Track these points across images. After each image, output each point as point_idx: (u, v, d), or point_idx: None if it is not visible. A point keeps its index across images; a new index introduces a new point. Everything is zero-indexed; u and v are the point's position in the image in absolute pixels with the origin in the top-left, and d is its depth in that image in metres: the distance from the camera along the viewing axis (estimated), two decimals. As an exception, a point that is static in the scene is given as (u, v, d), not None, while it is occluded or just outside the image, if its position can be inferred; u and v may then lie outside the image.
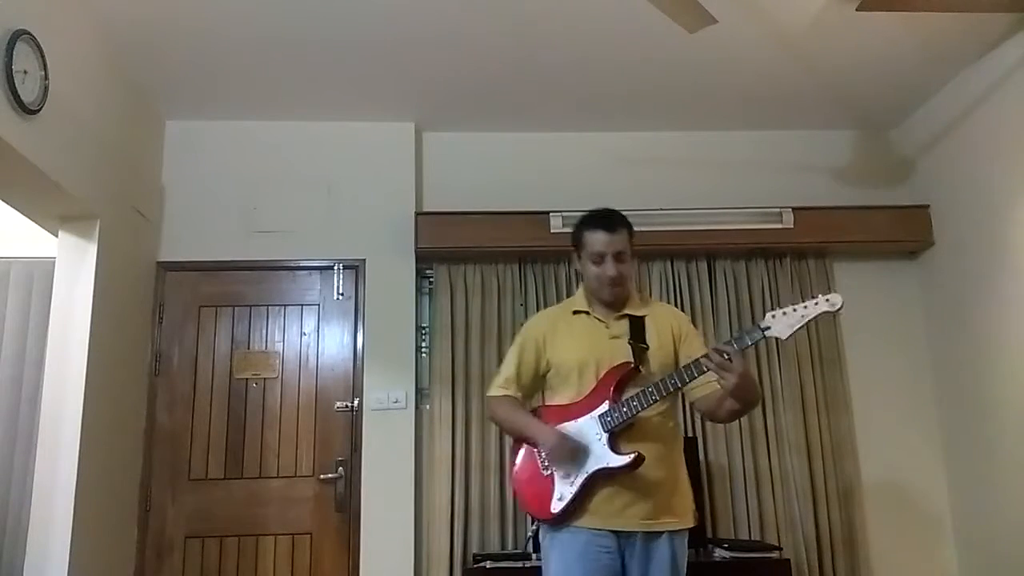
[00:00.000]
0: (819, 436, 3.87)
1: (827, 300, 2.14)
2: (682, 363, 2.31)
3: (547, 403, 2.47)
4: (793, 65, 3.62)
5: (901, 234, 4.03)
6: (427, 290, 4.03)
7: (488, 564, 3.29)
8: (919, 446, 3.99)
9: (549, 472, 2.30)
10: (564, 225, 3.75)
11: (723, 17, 2.79)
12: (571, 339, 2.41)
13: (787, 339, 2.18)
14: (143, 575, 3.61)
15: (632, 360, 2.30)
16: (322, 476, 3.75)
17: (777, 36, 3.38)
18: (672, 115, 4.12)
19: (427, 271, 4.03)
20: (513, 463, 2.43)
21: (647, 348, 2.34)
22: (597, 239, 2.37)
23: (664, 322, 2.42)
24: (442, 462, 3.73)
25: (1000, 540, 3.58)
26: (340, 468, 3.75)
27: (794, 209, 3.96)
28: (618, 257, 2.36)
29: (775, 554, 3.46)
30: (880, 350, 4.07)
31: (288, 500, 3.73)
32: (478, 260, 3.98)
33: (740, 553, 3.41)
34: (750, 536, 3.73)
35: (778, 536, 3.72)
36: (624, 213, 3.92)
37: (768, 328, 2.16)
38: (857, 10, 2.89)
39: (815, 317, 2.14)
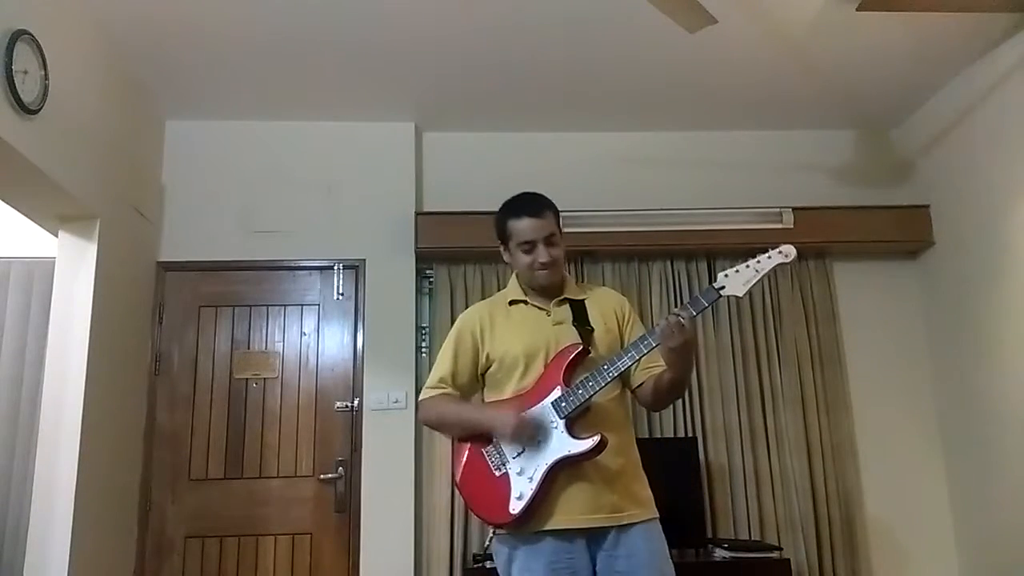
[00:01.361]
0: (819, 436, 3.87)
1: (780, 252, 2.08)
2: None
3: (490, 400, 2.28)
4: (793, 65, 3.62)
5: (901, 234, 4.03)
6: (427, 290, 4.03)
7: (488, 564, 3.28)
8: (919, 446, 3.99)
9: (503, 471, 2.11)
10: (564, 225, 3.74)
11: (723, 17, 2.80)
12: (511, 330, 2.25)
13: (743, 296, 2.11)
14: (143, 575, 3.61)
15: (581, 342, 2.16)
16: (322, 476, 3.75)
17: (777, 36, 3.38)
18: (672, 115, 4.12)
19: (427, 271, 4.03)
20: (457, 468, 2.21)
21: (593, 331, 2.21)
22: (524, 227, 2.24)
23: (607, 305, 2.31)
24: (442, 462, 3.72)
25: (1001, 539, 3.58)
26: (340, 468, 3.75)
27: (794, 209, 3.96)
28: (549, 241, 2.24)
29: (775, 554, 3.47)
30: (880, 350, 4.07)
31: (288, 500, 3.73)
32: (478, 260, 3.97)
33: (740, 553, 3.42)
34: (750, 536, 3.73)
35: (778, 536, 3.73)
36: (624, 213, 3.88)
37: (723, 287, 2.09)
38: (857, 10, 2.89)
39: (770, 271, 2.07)
